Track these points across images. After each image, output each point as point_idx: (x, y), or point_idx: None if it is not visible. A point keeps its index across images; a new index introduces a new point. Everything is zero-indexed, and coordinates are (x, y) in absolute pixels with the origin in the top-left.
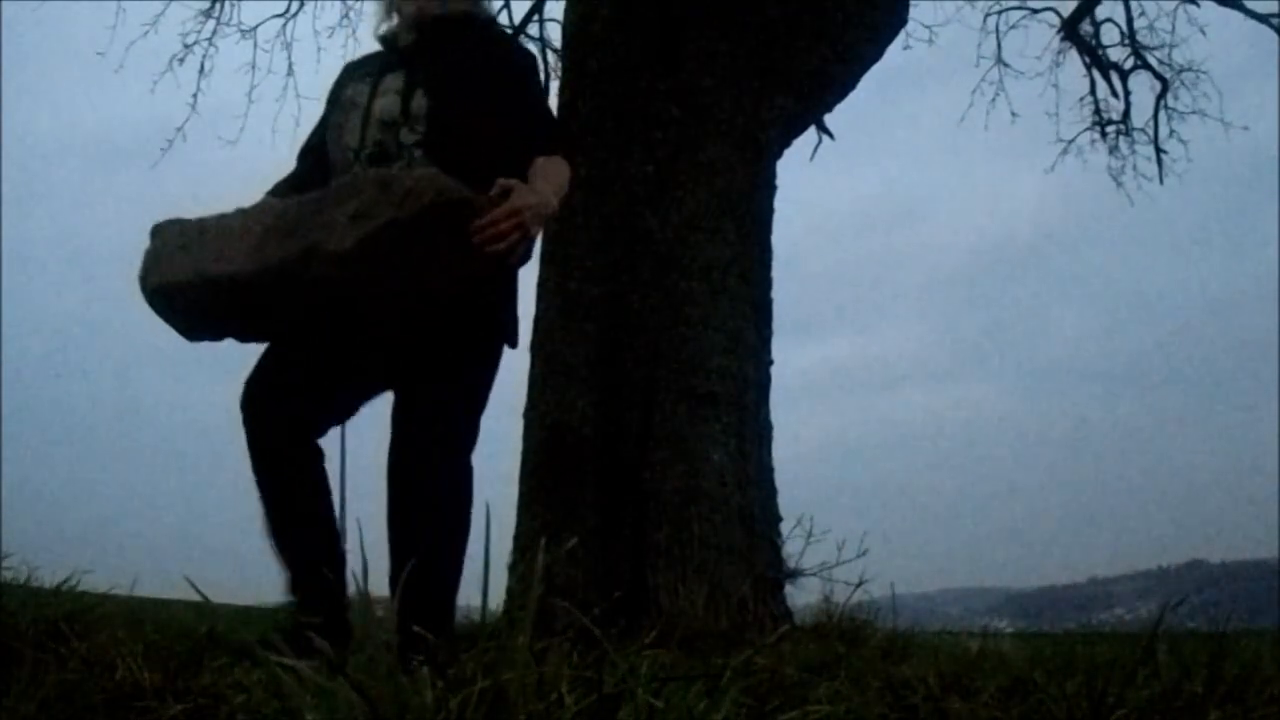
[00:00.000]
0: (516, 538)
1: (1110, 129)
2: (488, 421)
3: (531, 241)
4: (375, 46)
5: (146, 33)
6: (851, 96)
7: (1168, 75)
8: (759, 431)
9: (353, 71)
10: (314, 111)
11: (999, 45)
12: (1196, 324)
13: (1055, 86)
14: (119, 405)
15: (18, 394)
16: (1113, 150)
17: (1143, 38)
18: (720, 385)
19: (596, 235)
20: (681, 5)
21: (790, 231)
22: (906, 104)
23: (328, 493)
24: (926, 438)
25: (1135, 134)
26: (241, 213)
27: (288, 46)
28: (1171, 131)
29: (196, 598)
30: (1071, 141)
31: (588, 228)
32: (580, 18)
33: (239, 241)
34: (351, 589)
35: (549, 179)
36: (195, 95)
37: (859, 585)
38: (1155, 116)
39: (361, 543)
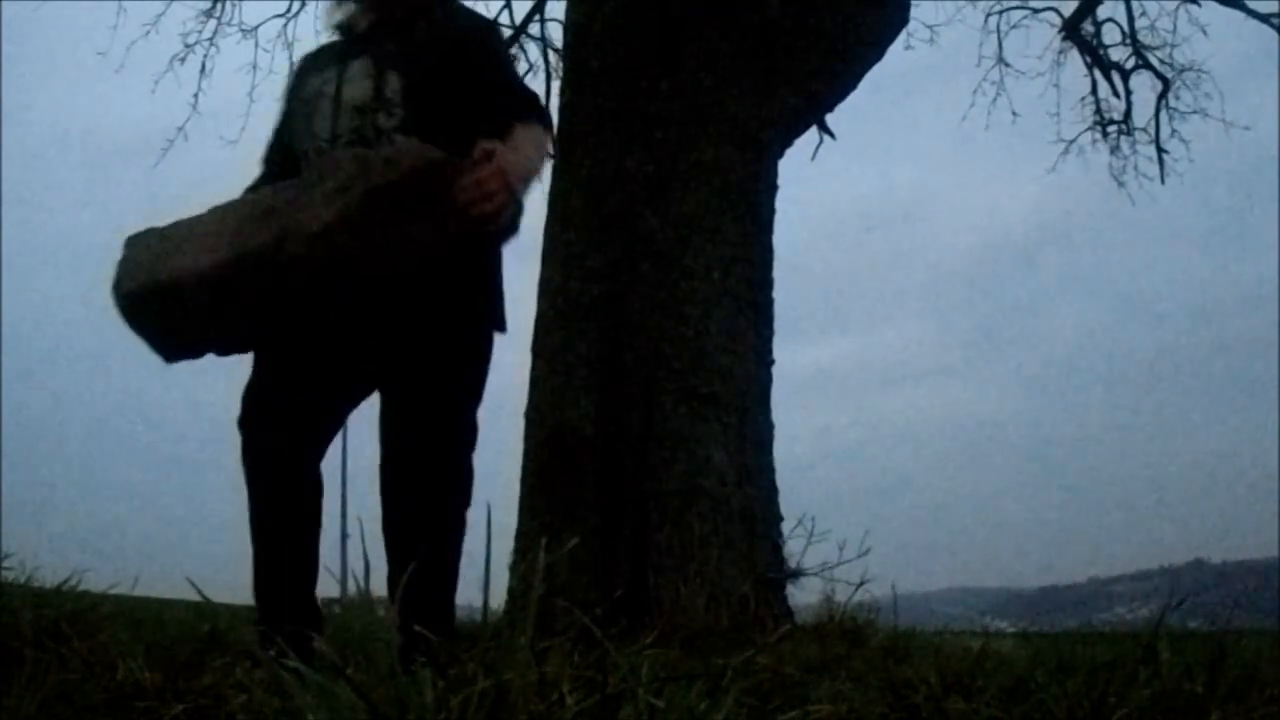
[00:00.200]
0: (517, 537)
1: (1111, 129)
2: (488, 422)
3: (518, 210)
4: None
5: (148, 33)
6: (853, 96)
7: (1169, 75)
8: (760, 431)
9: (311, 64)
10: None
11: (1000, 45)
12: (1198, 323)
13: (1056, 86)
14: (120, 405)
15: (18, 394)
16: (1114, 150)
17: (1144, 37)
18: (721, 385)
19: (597, 235)
20: (682, 5)
21: (791, 231)
22: (908, 104)
23: (319, 525)
24: (927, 437)
25: (1136, 134)
26: (214, 210)
27: (289, 46)
28: (1173, 131)
29: (197, 598)
30: (1073, 141)
31: (588, 227)
32: (582, 18)
33: (214, 236)
34: (352, 589)
35: (529, 144)
36: (196, 95)
37: (860, 585)
38: (1156, 116)
39: (363, 543)
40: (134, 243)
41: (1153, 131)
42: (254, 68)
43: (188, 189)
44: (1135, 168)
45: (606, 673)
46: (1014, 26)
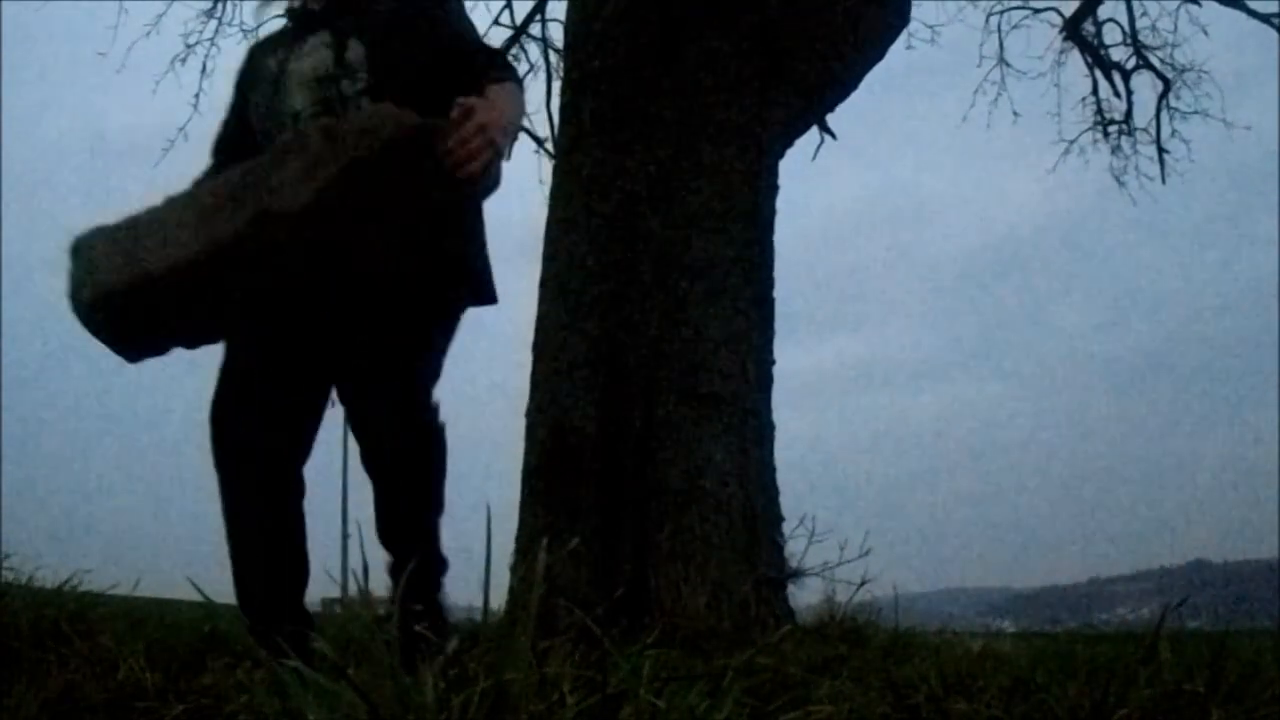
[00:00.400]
0: (518, 537)
1: (1112, 129)
2: (489, 422)
3: (499, 166)
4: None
5: (148, 33)
6: (853, 96)
7: (1170, 75)
8: (761, 431)
9: (262, 50)
10: None
11: (1001, 45)
12: (1199, 323)
13: (1057, 86)
14: (120, 405)
15: (18, 394)
16: (1115, 150)
17: (1145, 37)
18: (722, 385)
19: (598, 235)
20: (683, 6)
21: (792, 231)
22: (909, 104)
23: (301, 524)
24: (928, 437)
25: (1137, 134)
26: (171, 200)
27: None
28: (1174, 131)
29: (198, 598)
30: (1074, 141)
31: (589, 228)
32: (582, 18)
33: (178, 228)
34: (352, 589)
35: (506, 98)
36: (197, 95)
37: (861, 585)
38: (1157, 116)
39: (362, 543)
40: (86, 244)
41: (1153, 131)
42: None
43: None
44: (1136, 168)
45: (607, 673)
46: (1015, 26)
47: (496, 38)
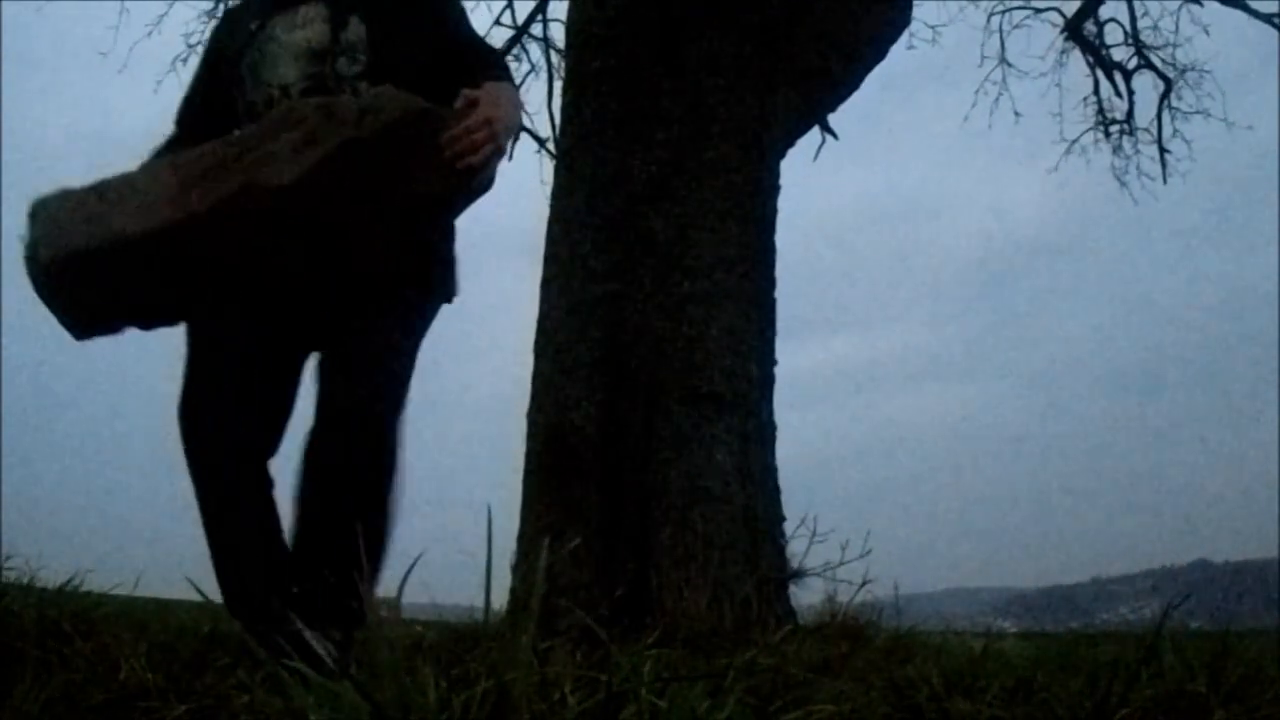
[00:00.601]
0: (519, 538)
1: (1114, 129)
2: (490, 422)
3: (496, 165)
4: None
5: (150, 33)
6: (855, 96)
7: (1171, 75)
8: (762, 431)
9: (245, 13)
10: None
11: (1002, 45)
12: (1200, 323)
13: (1059, 86)
14: (121, 405)
15: (19, 393)
16: (1116, 150)
17: (1146, 37)
18: (723, 385)
19: (600, 235)
20: (684, 6)
21: (794, 231)
22: (910, 104)
23: (278, 523)
24: (929, 437)
25: (1139, 134)
26: (147, 168)
27: None
28: (1175, 131)
29: (199, 598)
30: (1075, 141)
31: (591, 227)
32: (583, 18)
33: (154, 194)
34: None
35: (507, 97)
36: None
37: (863, 585)
38: (1159, 116)
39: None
40: (50, 205)
41: (1155, 131)
42: None
43: None
44: (1138, 167)
45: (609, 673)
46: (1016, 26)
47: (498, 38)
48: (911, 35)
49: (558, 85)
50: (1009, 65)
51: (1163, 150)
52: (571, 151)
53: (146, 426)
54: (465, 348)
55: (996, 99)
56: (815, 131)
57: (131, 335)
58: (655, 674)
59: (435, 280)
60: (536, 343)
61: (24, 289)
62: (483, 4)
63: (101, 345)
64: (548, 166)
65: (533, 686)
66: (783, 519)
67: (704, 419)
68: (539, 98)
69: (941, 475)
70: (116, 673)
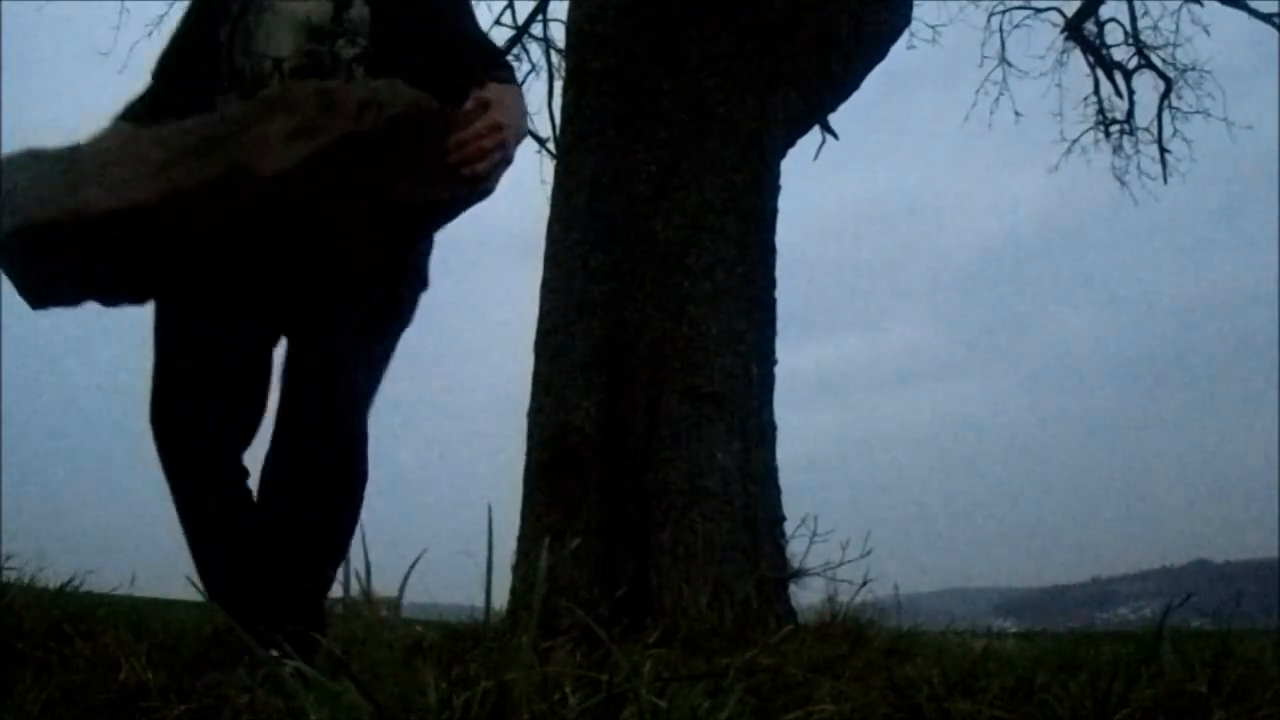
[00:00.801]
0: (520, 537)
1: (1114, 128)
2: (490, 422)
3: (501, 173)
4: None
5: (150, 33)
6: (855, 96)
7: (1171, 75)
8: (762, 431)
9: None
10: None
11: (1003, 45)
12: (1200, 323)
13: (1059, 86)
14: (122, 405)
15: (19, 393)
16: (1116, 150)
17: (1146, 37)
18: (724, 385)
19: (600, 235)
20: (684, 5)
21: (794, 231)
22: (910, 103)
23: (253, 514)
24: (930, 437)
25: (1139, 133)
26: (122, 134)
27: None
28: (1175, 131)
29: (200, 598)
30: (1075, 141)
31: (591, 228)
32: (584, 18)
33: (132, 167)
34: (354, 588)
35: (515, 102)
36: None
37: (863, 585)
38: (1159, 116)
39: (364, 543)
40: (15, 168)
41: (1155, 131)
42: None
43: None
44: (1138, 167)
45: (609, 673)
46: (1016, 26)
47: (498, 37)
48: (911, 35)
49: (558, 85)
50: (1009, 65)
51: (1163, 150)
52: (572, 151)
53: (147, 427)
54: (465, 348)
55: (997, 99)
56: (815, 131)
57: (130, 335)
58: (655, 674)
59: (413, 280)
60: (536, 343)
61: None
62: (483, 4)
63: (102, 345)
64: (548, 166)
65: (533, 686)
66: (783, 519)
67: (704, 419)
68: (539, 97)
69: (941, 475)
70: (117, 673)
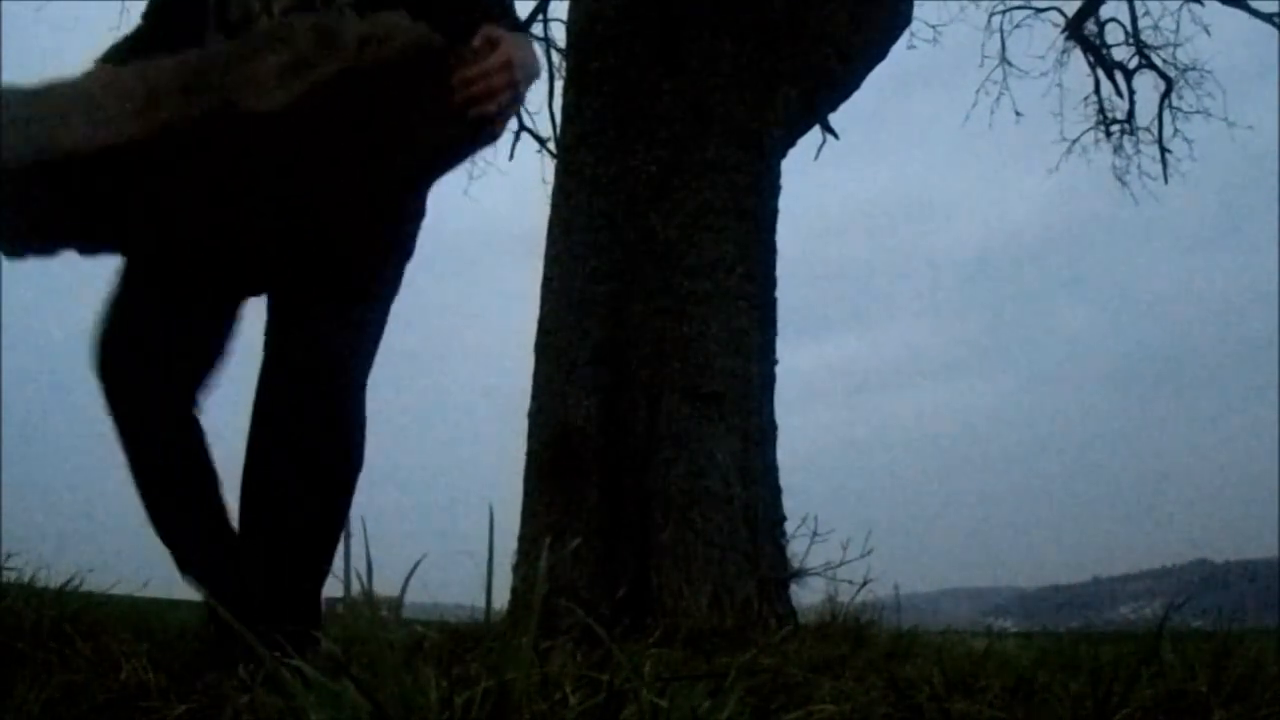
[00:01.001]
0: (521, 537)
1: (1115, 128)
2: (491, 422)
3: (509, 116)
4: None
5: None
6: (856, 96)
7: (1172, 74)
8: (763, 431)
9: None
10: None
11: (1003, 45)
12: (1201, 323)
13: (1060, 86)
14: None
15: (19, 392)
16: (1117, 149)
17: (1147, 37)
18: (724, 384)
19: (600, 235)
20: (684, 5)
21: (794, 231)
22: (911, 103)
23: (213, 469)
24: (930, 437)
25: (1140, 133)
26: (105, 73)
27: None
28: (1176, 130)
29: (201, 598)
30: (1076, 141)
31: (591, 227)
32: (584, 17)
33: (113, 105)
34: (355, 588)
35: (527, 45)
36: None
37: (863, 585)
38: (1160, 116)
39: (366, 540)
40: None
41: (1156, 131)
42: None
43: None
44: (1139, 167)
45: (610, 672)
46: (1017, 26)
47: None
48: (912, 35)
49: (558, 85)
50: (1010, 65)
51: (1163, 150)
52: (572, 151)
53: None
54: (466, 347)
55: (997, 99)
56: (815, 131)
57: None
58: (656, 674)
59: (408, 237)
60: (537, 343)
61: (24, 288)
62: None
63: None
64: (549, 166)
65: (534, 686)
66: (783, 519)
67: (704, 418)
68: (540, 97)
69: (941, 475)
70: (117, 673)
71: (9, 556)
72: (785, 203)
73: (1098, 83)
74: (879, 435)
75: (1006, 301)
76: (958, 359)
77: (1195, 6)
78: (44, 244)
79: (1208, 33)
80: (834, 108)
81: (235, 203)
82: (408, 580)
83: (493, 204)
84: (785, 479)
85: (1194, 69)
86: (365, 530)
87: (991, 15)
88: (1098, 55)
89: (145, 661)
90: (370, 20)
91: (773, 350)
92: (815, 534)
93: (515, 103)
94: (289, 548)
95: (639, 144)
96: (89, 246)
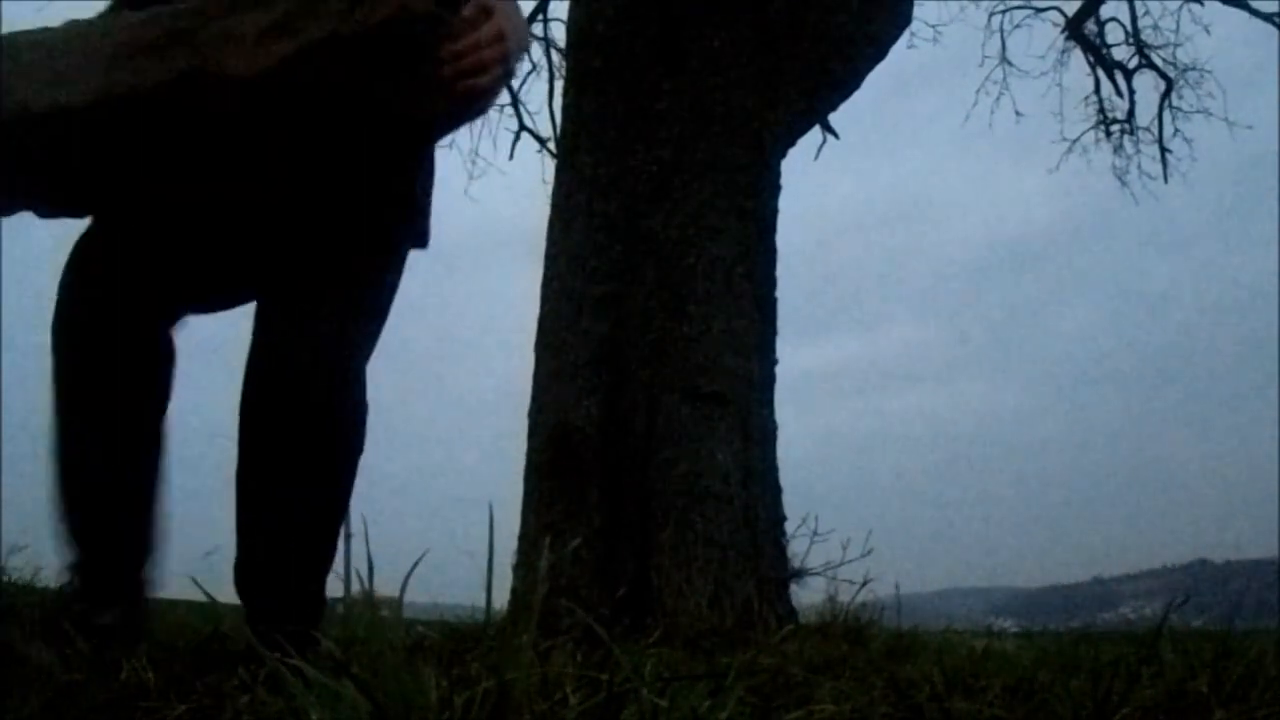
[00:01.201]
0: (521, 537)
1: (1115, 128)
2: (492, 421)
3: (499, 90)
4: None
5: None
6: (856, 95)
7: (1172, 74)
8: (763, 430)
9: None
10: None
11: (1003, 44)
12: (1200, 323)
13: (1060, 86)
14: None
15: (19, 393)
16: (1117, 149)
17: (1147, 37)
18: (725, 384)
19: (600, 234)
20: (684, 5)
21: (794, 230)
22: (911, 103)
23: (161, 431)
24: (930, 437)
25: (1140, 133)
26: (71, 27)
27: None
28: (1176, 130)
29: (201, 598)
30: (1076, 140)
31: (591, 227)
32: (585, 17)
33: (74, 62)
34: (356, 587)
35: (518, 14)
36: None
37: (864, 584)
38: (1160, 115)
39: (366, 540)
40: None
41: (1156, 131)
42: None
43: None
44: (1139, 167)
45: (610, 672)
46: (1017, 26)
47: None
48: (912, 35)
49: (559, 84)
50: (1010, 65)
51: (1164, 150)
52: (572, 151)
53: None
54: (466, 347)
55: (997, 98)
56: (816, 131)
57: None
58: (656, 673)
59: (407, 217)
60: (537, 343)
61: (24, 287)
62: None
63: None
64: (549, 166)
65: (534, 686)
66: (784, 518)
67: (705, 418)
68: (540, 97)
69: (943, 475)
70: (117, 673)
71: (9, 553)
72: (785, 203)
73: (1098, 82)
74: (879, 435)
75: (1006, 301)
76: (958, 359)
77: (1195, 6)
78: (3, 208)
79: (1208, 32)
80: (834, 107)
81: (208, 177)
82: (408, 580)
83: (493, 204)
84: (785, 479)
85: (1194, 69)
86: (366, 530)
87: (991, 15)
88: (1098, 55)
89: (145, 661)
90: None
91: (773, 350)
92: (815, 534)
93: (506, 76)
94: (290, 544)
95: (639, 144)
96: (45, 209)
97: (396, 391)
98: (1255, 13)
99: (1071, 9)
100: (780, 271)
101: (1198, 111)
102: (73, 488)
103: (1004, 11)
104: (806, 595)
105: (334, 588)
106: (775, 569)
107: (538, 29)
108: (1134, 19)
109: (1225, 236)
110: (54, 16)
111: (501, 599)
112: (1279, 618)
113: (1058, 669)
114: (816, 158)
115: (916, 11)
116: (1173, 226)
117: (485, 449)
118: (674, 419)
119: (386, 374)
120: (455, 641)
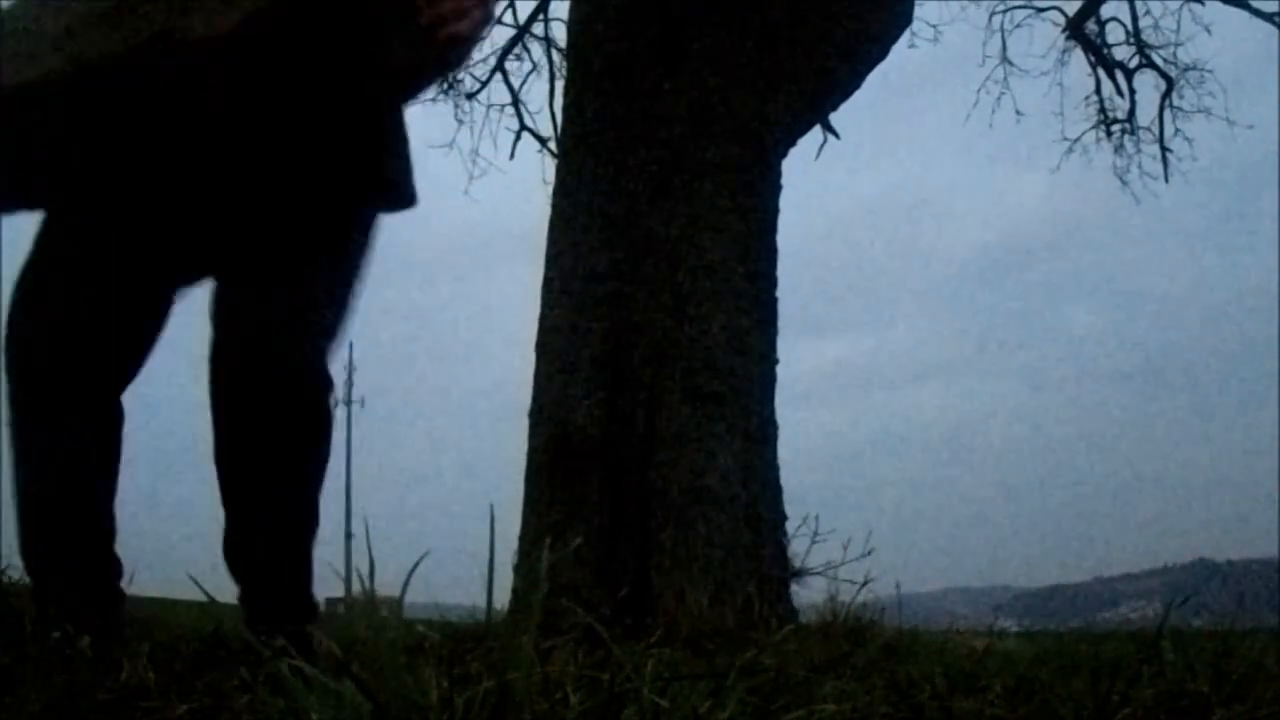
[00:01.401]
0: (522, 537)
1: (1115, 128)
2: (492, 422)
3: (480, 38)
4: None
5: None
6: (856, 95)
7: (1173, 74)
8: (764, 430)
9: None
10: None
11: (1004, 44)
12: (1201, 323)
13: (1060, 85)
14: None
15: None
16: (1118, 149)
17: (1148, 36)
18: (725, 384)
19: (601, 234)
20: (685, 4)
21: (795, 230)
22: (912, 103)
23: (115, 473)
24: (931, 436)
25: (1140, 133)
26: (22, 4)
27: None
28: (1177, 130)
29: (202, 598)
30: (1077, 140)
31: (592, 227)
32: (585, 17)
33: (26, 40)
34: (356, 588)
35: None
36: None
37: (864, 584)
38: (1160, 115)
39: (368, 542)
40: None
41: (1156, 130)
42: None
43: None
44: (1139, 167)
45: (611, 672)
46: (1018, 25)
47: (500, 36)
48: (913, 35)
49: (559, 84)
50: (1010, 64)
51: (1164, 149)
52: (573, 151)
53: (147, 427)
54: (466, 347)
55: (998, 98)
56: (816, 131)
57: None
58: (657, 673)
59: (384, 183)
60: (538, 343)
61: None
62: None
63: None
64: (549, 166)
65: (534, 686)
66: (784, 518)
67: (705, 418)
68: (540, 97)
69: (941, 475)
70: (117, 673)
71: (9, 552)
72: (785, 202)
73: (1098, 82)
74: (879, 435)
75: (1007, 301)
76: (957, 359)
77: (1196, 6)
78: None
79: (1208, 32)
80: (835, 107)
81: (176, 148)
82: (408, 580)
83: (493, 204)
84: (786, 479)
85: (1195, 68)
86: (366, 530)
87: (992, 15)
88: (1098, 55)
89: (145, 661)
90: None
91: (773, 350)
92: (816, 533)
93: (485, 20)
94: (271, 515)
95: (640, 144)
96: (8, 202)
97: (396, 391)
98: (1255, 12)
99: (1072, 8)
100: (780, 271)
101: (1198, 111)
102: (32, 511)
103: (1004, 11)
104: (807, 595)
105: (334, 588)
106: (776, 569)
107: (538, 29)
108: (1134, 19)
109: (1226, 237)
110: None
111: (502, 599)
112: (1279, 618)
113: (1058, 669)
114: (817, 158)
115: (917, 11)
116: (1173, 227)
117: (485, 449)
118: (675, 419)
119: (386, 374)
120: (456, 641)
